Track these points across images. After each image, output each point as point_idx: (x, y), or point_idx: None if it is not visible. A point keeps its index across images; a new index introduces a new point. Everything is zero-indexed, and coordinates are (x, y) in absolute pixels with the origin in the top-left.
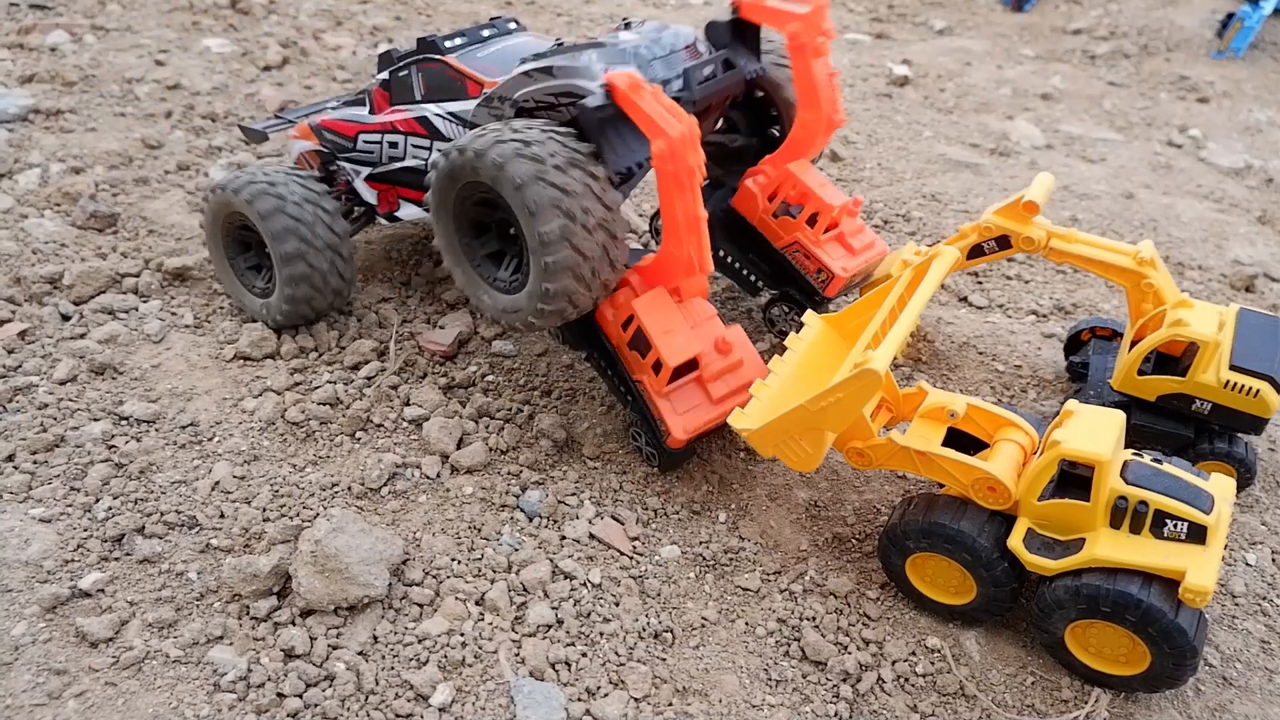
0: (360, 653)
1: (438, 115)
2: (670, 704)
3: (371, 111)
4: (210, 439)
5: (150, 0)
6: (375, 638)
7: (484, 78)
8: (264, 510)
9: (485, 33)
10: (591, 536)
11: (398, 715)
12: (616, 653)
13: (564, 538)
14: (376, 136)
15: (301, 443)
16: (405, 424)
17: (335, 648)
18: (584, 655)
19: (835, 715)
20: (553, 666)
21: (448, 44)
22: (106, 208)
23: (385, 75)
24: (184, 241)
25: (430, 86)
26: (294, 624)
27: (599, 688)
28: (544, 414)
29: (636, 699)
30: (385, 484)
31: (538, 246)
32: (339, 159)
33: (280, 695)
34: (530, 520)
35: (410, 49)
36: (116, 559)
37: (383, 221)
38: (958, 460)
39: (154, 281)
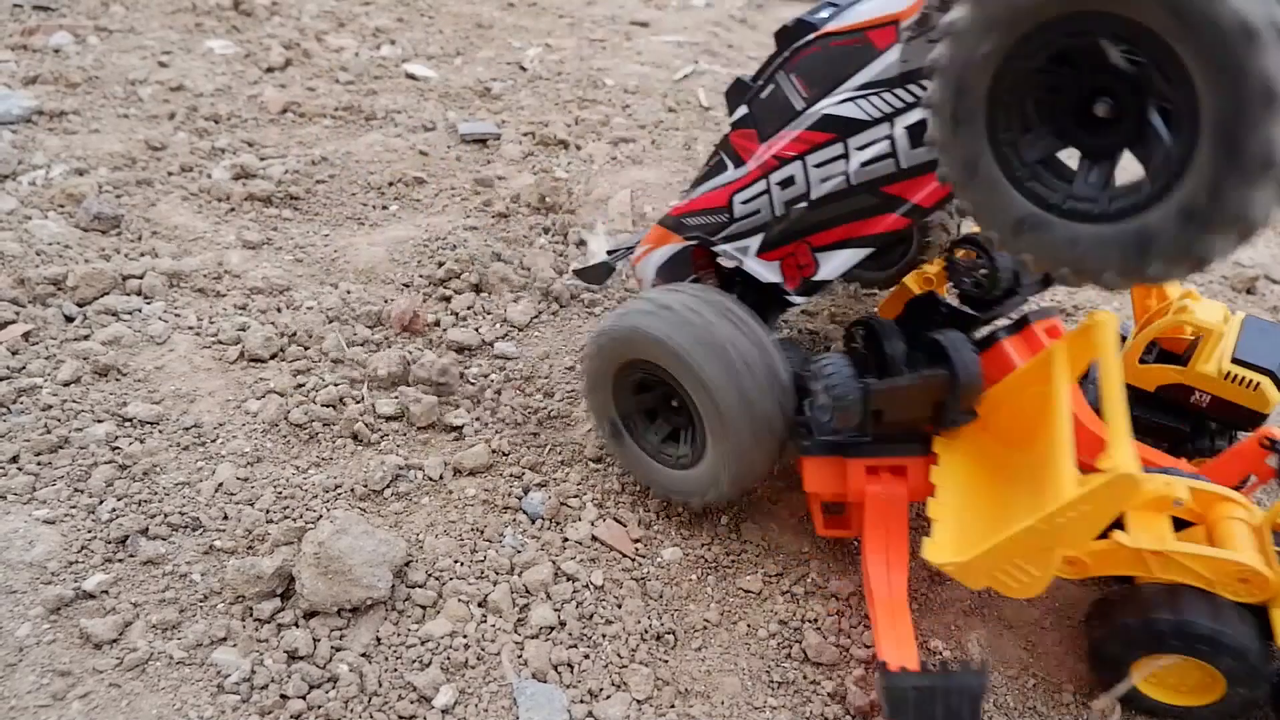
0: (363, 654)
1: (843, 102)
2: (672, 705)
3: (736, 162)
4: (213, 441)
5: (153, 2)
6: (378, 639)
7: (891, 11)
8: (267, 512)
9: None
10: (594, 538)
11: (401, 717)
12: (619, 654)
13: (566, 540)
14: (759, 185)
15: (304, 445)
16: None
17: (338, 649)
18: (586, 657)
19: (836, 717)
20: (555, 668)
21: (817, 17)
22: (110, 209)
23: (744, 110)
24: (187, 243)
25: (814, 79)
26: (297, 626)
27: (601, 689)
28: (546, 415)
29: (639, 700)
30: (388, 486)
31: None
32: (716, 244)
33: (284, 697)
34: (533, 522)
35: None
36: (120, 560)
37: (798, 301)
38: (1205, 555)
39: (157, 283)
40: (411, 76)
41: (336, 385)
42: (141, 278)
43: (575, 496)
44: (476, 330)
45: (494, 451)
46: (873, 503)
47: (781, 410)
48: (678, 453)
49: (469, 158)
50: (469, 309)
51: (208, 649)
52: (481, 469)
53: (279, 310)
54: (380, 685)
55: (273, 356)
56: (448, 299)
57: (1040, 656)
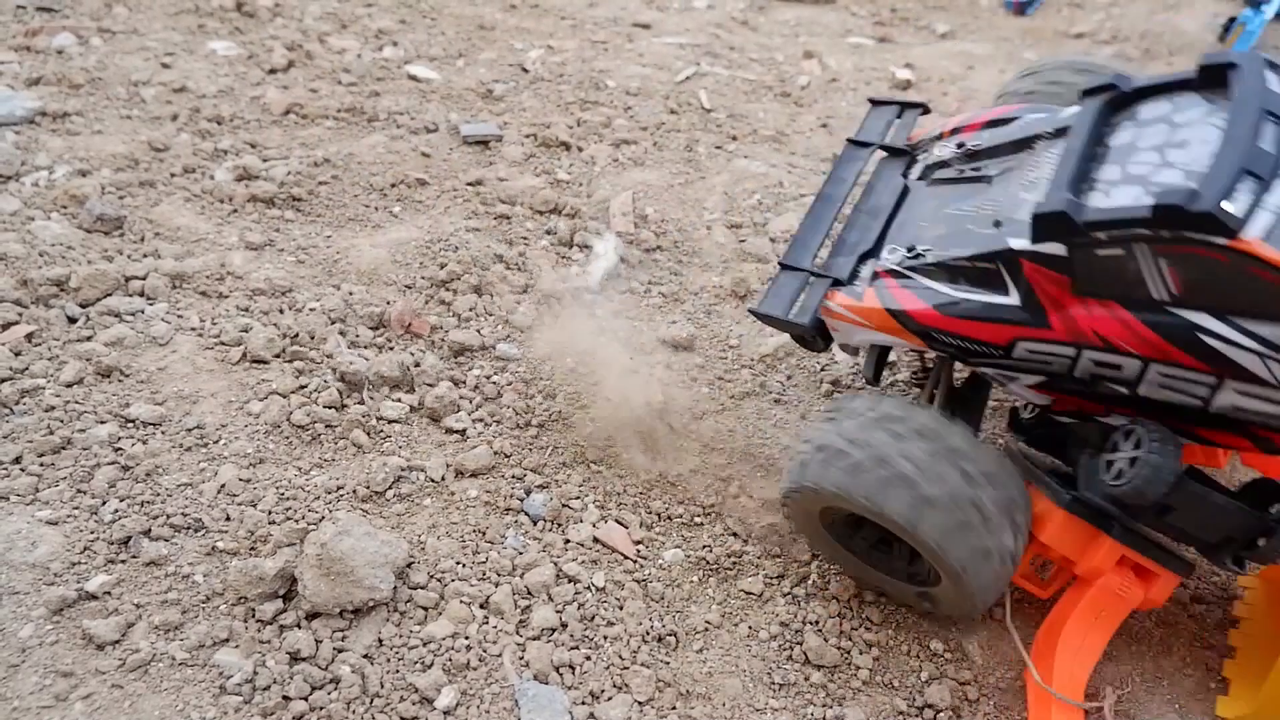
0: (365, 655)
1: (1241, 349)
2: (674, 707)
3: (1028, 301)
4: (216, 442)
5: (156, 3)
6: (380, 641)
7: None
8: (269, 513)
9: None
10: (595, 540)
11: (403, 718)
12: (620, 656)
13: (568, 541)
14: (1064, 349)
15: (307, 446)
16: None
17: (340, 650)
18: (588, 658)
19: (837, 719)
20: (557, 670)
21: (1227, 203)
22: (113, 210)
23: (1061, 250)
24: (190, 245)
25: (1198, 288)
26: (299, 627)
27: (603, 691)
28: (547, 417)
29: (640, 702)
30: (390, 487)
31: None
32: (974, 367)
33: (286, 698)
34: (534, 524)
35: (1108, 210)
36: (123, 561)
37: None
38: None
39: (160, 284)
40: (414, 78)
41: (338, 386)
42: (144, 279)
43: (577, 498)
44: (478, 332)
45: (496, 453)
46: (1102, 592)
47: (1020, 535)
48: (924, 568)
49: (471, 159)
50: (471, 310)
51: (210, 650)
52: (483, 470)
53: (281, 311)
54: (382, 686)
55: (275, 357)
56: (449, 301)
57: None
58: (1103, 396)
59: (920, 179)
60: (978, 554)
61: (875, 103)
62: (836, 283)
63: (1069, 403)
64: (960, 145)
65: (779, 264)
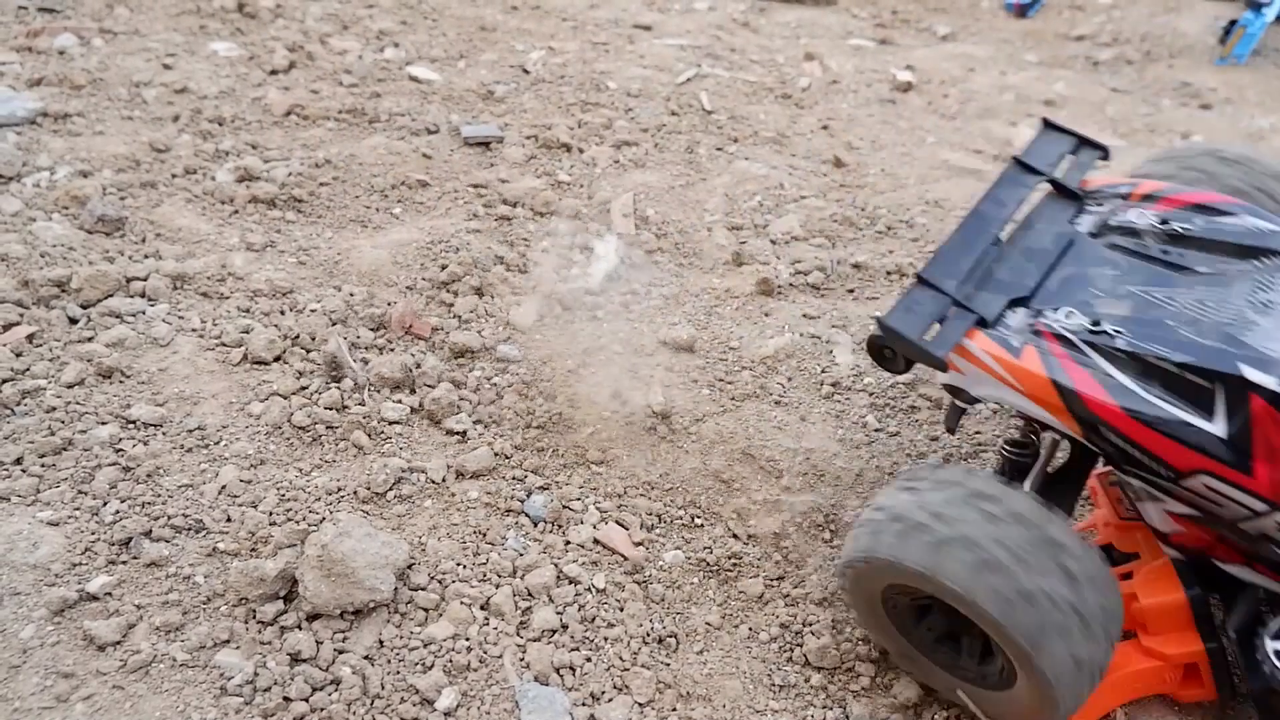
0: (366, 657)
1: None
2: (674, 709)
3: (1237, 439)
4: (217, 443)
5: (158, 4)
6: (381, 642)
7: None
8: (270, 514)
9: None
10: (596, 541)
11: (403, 719)
12: (620, 658)
13: (568, 543)
14: (1254, 502)
15: (307, 447)
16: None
17: (341, 652)
18: (588, 660)
19: None
20: (557, 671)
21: None
22: (114, 211)
23: None
24: (191, 246)
25: None
26: (300, 628)
27: (603, 692)
28: (548, 419)
29: (640, 704)
30: (391, 488)
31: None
32: (1123, 468)
33: (286, 699)
34: (535, 525)
35: None
36: (124, 562)
37: (1170, 554)
38: None
39: (161, 285)
40: (415, 79)
41: (339, 388)
42: (145, 280)
43: (577, 499)
44: (479, 333)
45: (496, 454)
46: (1150, 670)
47: (1111, 649)
48: (996, 668)
49: (472, 161)
50: (471, 312)
51: (211, 651)
52: (484, 472)
53: (282, 313)
54: (383, 688)
55: (276, 359)
56: (450, 302)
57: None
58: (1261, 557)
59: (1095, 236)
60: (1071, 664)
61: (1048, 125)
62: (981, 322)
63: (1200, 541)
64: (1164, 221)
65: (917, 275)
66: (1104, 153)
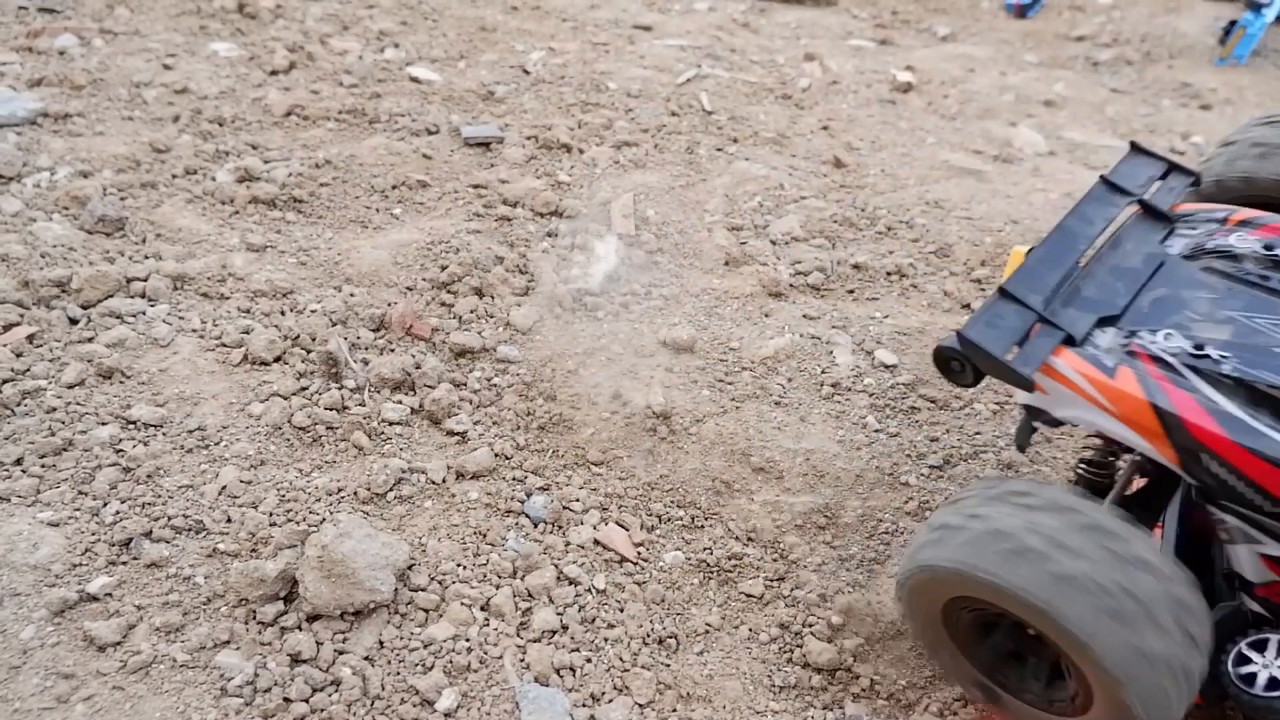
0: (366, 658)
1: None
2: (674, 710)
3: None
4: (217, 443)
5: (158, 4)
6: (381, 643)
7: None
8: (270, 515)
9: None
10: (596, 542)
11: None
12: (621, 658)
13: (568, 543)
14: None
15: (308, 448)
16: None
17: (341, 652)
18: (588, 661)
19: None
20: (557, 672)
21: None
22: (114, 212)
23: None
24: (191, 246)
25: None
26: (300, 629)
27: (603, 693)
28: (548, 419)
29: (640, 705)
30: (391, 489)
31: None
32: (1224, 504)
33: (287, 700)
34: (535, 526)
35: None
36: (124, 563)
37: (1254, 607)
38: None
39: (161, 286)
40: (415, 79)
41: (340, 388)
42: (145, 280)
43: (577, 500)
44: (479, 334)
45: (496, 455)
46: None
47: (1201, 653)
48: (1067, 693)
49: (472, 161)
50: (472, 312)
51: (211, 652)
52: (484, 472)
53: (282, 313)
54: (383, 688)
55: (276, 359)
56: (450, 303)
57: None
58: None
59: (1188, 258)
60: (1159, 691)
61: (1136, 148)
62: (1069, 340)
63: None
64: (1269, 247)
65: (1000, 288)
66: (1196, 179)
